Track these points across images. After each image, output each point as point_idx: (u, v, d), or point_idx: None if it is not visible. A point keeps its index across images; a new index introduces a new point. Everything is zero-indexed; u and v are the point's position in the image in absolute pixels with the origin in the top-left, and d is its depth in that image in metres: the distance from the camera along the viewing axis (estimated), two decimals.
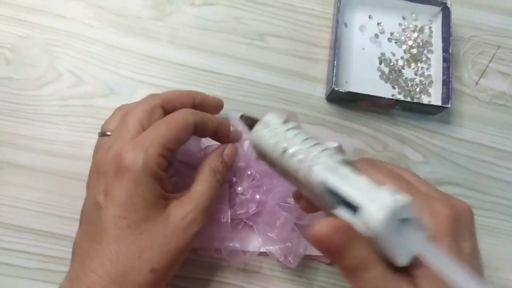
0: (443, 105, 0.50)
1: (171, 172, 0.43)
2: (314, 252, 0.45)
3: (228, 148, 0.41)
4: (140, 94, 0.48)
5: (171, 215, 0.35)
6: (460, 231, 0.30)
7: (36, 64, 0.48)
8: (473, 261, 0.30)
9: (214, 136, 0.42)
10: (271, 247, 0.43)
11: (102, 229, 0.34)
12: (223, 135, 0.42)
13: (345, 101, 0.51)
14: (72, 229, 0.43)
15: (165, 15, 0.52)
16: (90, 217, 0.35)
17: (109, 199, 0.34)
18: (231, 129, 0.43)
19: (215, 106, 0.44)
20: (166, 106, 0.39)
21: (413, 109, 0.51)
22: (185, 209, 0.36)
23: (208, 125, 0.39)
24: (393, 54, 0.53)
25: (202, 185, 0.38)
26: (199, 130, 0.39)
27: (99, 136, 0.40)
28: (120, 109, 0.41)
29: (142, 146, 0.35)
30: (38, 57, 0.49)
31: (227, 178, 0.42)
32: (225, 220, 0.41)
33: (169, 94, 0.40)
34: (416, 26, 0.55)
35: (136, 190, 0.34)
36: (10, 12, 0.49)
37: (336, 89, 0.48)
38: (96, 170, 0.36)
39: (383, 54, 0.53)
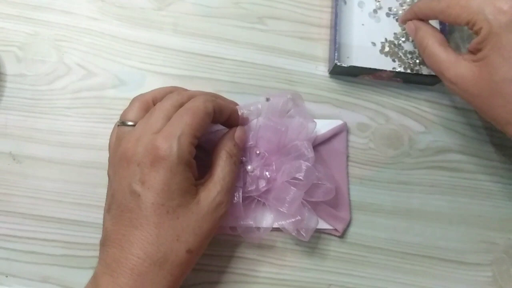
0: None
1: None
2: (325, 226, 0.47)
3: (238, 130, 0.43)
4: (148, 82, 0.50)
5: (201, 200, 0.38)
6: None
7: (46, 59, 0.50)
8: None
9: (226, 122, 0.44)
10: (283, 222, 0.45)
11: (141, 216, 0.36)
12: (234, 120, 0.44)
13: (347, 75, 0.53)
14: (92, 215, 0.46)
15: (166, 4, 0.53)
16: (126, 205, 0.37)
17: (147, 187, 0.36)
18: (240, 113, 0.45)
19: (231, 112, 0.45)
20: (216, 113, 0.41)
21: (413, 81, 0.53)
22: (212, 193, 0.39)
23: (223, 111, 0.42)
24: (392, 29, 0.55)
25: (222, 169, 0.40)
26: (216, 117, 0.41)
27: (119, 125, 0.41)
28: (137, 99, 0.42)
29: (175, 136, 0.37)
30: (47, 53, 0.50)
31: (240, 158, 0.44)
32: (237, 200, 0.43)
33: (195, 93, 0.42)
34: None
35: (173, 179, 0.36)
36: (17, 11, 0.51)
37: (338, 64, 0.50)
38: (125, 159, 0.38)
39: (382, 30, 0.55)
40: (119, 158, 0.39)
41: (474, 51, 0.43)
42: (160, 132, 0.37)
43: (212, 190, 0.39)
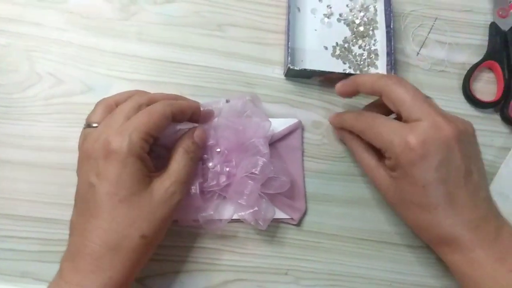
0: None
1: (153, 156, 0.48)
2: (282, 215, 0.51)
3: (197, 129, 0.47)
4: (115, 89, 0.53)
5: (155, 190, 0.41)
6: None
7: (18, 69, 0.53)
8: None
9: (189, 120, 0.47)
10: (242, 213, 0.48)
11: (97, 205, 0.39)
12: (196, 119, 0.48)
13: (301, 77, 0.57)
14: (65, 213, 0.49)
15: (131, 14, 0.57)
16: (85, 196, 0.41)
17: (101, 178, 0.39)
18: (202, 110, 0.48)
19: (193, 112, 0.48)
20: (175, 115, 0.44)
21: None
22: (165, 184, 0.42)
23: (184, 112, 0.45)
24: (342, 33, 0.59)
25: (177, 163, 0.44)
26: (177, 118, 0.44)
27: (85, 127, 0.45)
28: (101, 103, 0.46)
29: (127, 132, 0.40)
30: (19, 63, 0.54)
31: (200, 155, 0.48)
32: (194, 192, 0.46)
33: (155, 95, 0.46)
34: (362, 6, 0.61)
35: (124, 170, 0.39)
36: None
37: (291, 67, 0.54)
38: (86, 156, 0.41)
39: (333, 34, 0.59)
40: (81, 156, 0.43)
41: (389, 169, 0.45)
42: (115, 131, 0.40)
43: (166, 180, 0.42)
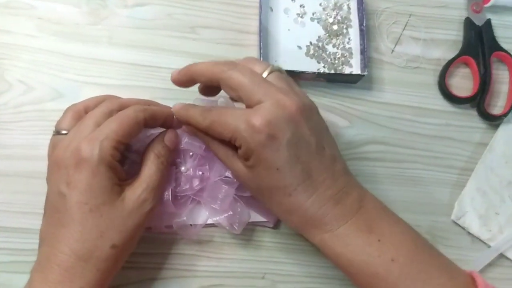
0: (361, 73, 0.55)
1: (125, 162, 0.48)
2: (258, 218, 0.51)
3: (169, 133, 0.46)
4: (85, 94, 0.52)
5: (126, 198, 0.41)
6: None
7: None
8: None
9: (162, 126, 0.47)
10: (217, 218, 0.48)
11: (67, 215, 0.39)
12: (169, 124, 0.47)
13: None
14: (36, 222, 0.47)
15: (101, 19, 0.56)
16: (55, 205, 0.40)
17: (72, 187, 0.39)
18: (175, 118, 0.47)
19: (166, 118, 0.47)
20: (147, 121, 0.43)
21: (336, 80, 0.57)
22: (137, 191, 0.41)
23: (157, 118, 0.45)
24: (316, 32, 0.59)
25: (149, 168, 0.43)
26: (149, 124, 0.44)
27: (54, 135, 0.44)
28: (70, 109, 0.45)
29: (97, 140, 0.39)
30: None
31: (171, 159, 0.47)
32: (166, 198, 0.46)
33: (126, 100, 0.46)
34: (335, 4, 0.60)
35: (94, 179, 0.39)
36: None
37: None
38: (56, 165, 0.41)
39: (306, 34, 0.58)
40: (51, 164, 0.42)
41: (243, 158, 0.42)
42: (85, 138, 0.40)
43: (137, 188, 0.42)
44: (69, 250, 0.38)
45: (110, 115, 0.42)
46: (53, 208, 0.40)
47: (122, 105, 0.44)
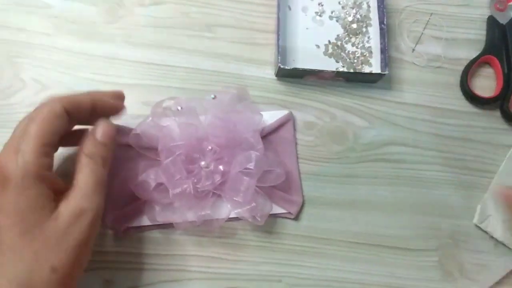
0: (381, 72, 0.54)
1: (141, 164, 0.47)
2: (280, 210, 0.50)
3: (100, 127, 0.40)
4: None
5: (60, 213, 0.36)
6: None
7: (1, 76, 0.52)
8: None
9: (96, 115, 0.41)
10: (239, 210, 0.47)
11: None
12: (103, 109, 0.41)
13: (293, 77, 0.55)
14: None
15: (118, 17, 0.55)
16: None
17: None
18: (111, 99, 0.42)
19: (115, 96, 0.44)
20: (70, 110, 0.38)
21: (355, 79, 0.56)
22: (71, 203, 0.36)
23: (81, 106, 0.39)
24: (335, 31, 0.58)
25: (82, 172, 0.38)
26: (75, 113, 0.38)
27: None
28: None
29: (17, 151, 0.34)
30: (3, 69, 0.52)
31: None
32: (188, 191, 0.45)
33: (68, 98, 0.39)
34: (354, 2, 0.59)
35: (21, 198, 0.34)
36: None
37: (282, 66, 0.52)
38: None
39: (325, 32, 0.57)
40: None
41: None
42: (5, 149, 0.36)
43: (72, 199, 0.37)
44: (6, 281, 0.34)
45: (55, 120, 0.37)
46: None
47: (68, 103, 0.38)
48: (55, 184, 0.37)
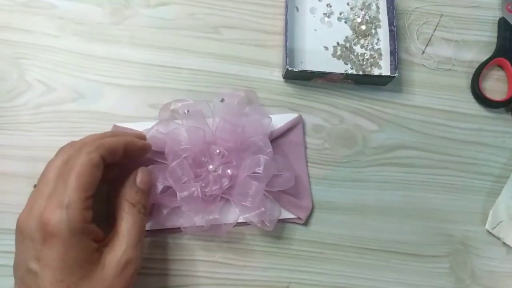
0: (391, 75, 0.53)
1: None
2: (289, 215, 0.49)
3: (140, 174, 0.42)
4: (107, 95, 0.51)
5: (106, 264, 0.36)
6: None
7: (6, 77, 0.51)
8: None
9: (126, 157, 0.41)
10: (248, 215, 0.46)
11: None
12: (133, 151, 0.42)
13: (301, 79, 0.54)
14: None
15: (123, 19, 0.55)
16: (26, 283, 0.35)
17: (43, 265, 0.34)
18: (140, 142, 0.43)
19: (139, 137, 0.45)
20: (106, 157, 0.38)
21: (365, 82, 0.55)
22: (117, 254, 0.37)
23: (116, 151, 0.39)
24: (343, 33, 0.57)
25: (126, 222, 0.39)
26: (110, 159, 0.39)
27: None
28: (61, 150, 0.40)
29: (62, 206, 0.34)
30: (7, 71, 0.52)
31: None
32: (196, 195, 0.44)
33: (85, 140, 0.40)
34: (363, 3, 0.58)
35: (69, 253, 0.34)
36: None
37: (290, 69, 0.51)
38: (20, 232, 0.36)
39: (334, 34, 0.56)
40: (17, 228, 0.37)
41: None
42: (48, 203, 0.35)
43: (117, 250, 0.37)
44: None
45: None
46: (24, 285, 0.35)
47: (81, 147, 0.38)
48: (96, 234, 0.37)
